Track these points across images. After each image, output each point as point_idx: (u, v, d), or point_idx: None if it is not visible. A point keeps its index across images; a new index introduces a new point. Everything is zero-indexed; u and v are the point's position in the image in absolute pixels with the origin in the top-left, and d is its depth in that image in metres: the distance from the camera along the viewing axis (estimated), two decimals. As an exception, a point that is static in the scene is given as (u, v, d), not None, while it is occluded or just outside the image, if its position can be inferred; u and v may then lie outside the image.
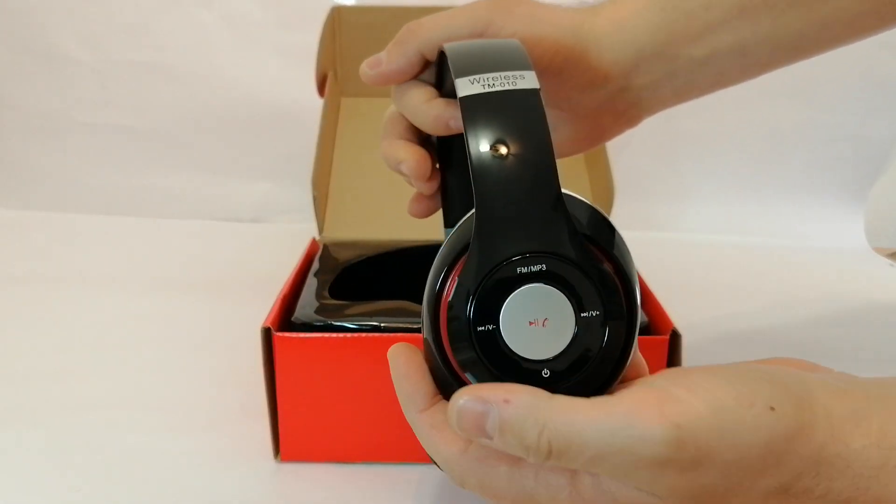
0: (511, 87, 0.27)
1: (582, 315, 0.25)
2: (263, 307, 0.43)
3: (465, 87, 0.27)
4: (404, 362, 0.28)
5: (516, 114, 0.26)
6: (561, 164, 0.26)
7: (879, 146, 0.93)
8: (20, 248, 0.83)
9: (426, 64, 0.36)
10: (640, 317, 0.27)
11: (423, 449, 0.29)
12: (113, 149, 0.95)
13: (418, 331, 0.40)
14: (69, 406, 0.49)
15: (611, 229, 0.27)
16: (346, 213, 0.64)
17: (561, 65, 0.37)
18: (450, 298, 0.26)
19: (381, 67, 0.36)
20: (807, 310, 0.70)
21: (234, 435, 0.46)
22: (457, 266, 0.26)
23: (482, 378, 0.25)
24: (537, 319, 0.25)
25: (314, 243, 0.58)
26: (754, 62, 0.38)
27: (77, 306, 0.66)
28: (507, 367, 0.25)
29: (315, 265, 0.52)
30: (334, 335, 0.41)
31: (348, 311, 0.43)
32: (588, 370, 0.26)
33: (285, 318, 0.43)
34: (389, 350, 0.29)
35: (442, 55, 0.33)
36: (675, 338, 0.40)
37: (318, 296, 0.46)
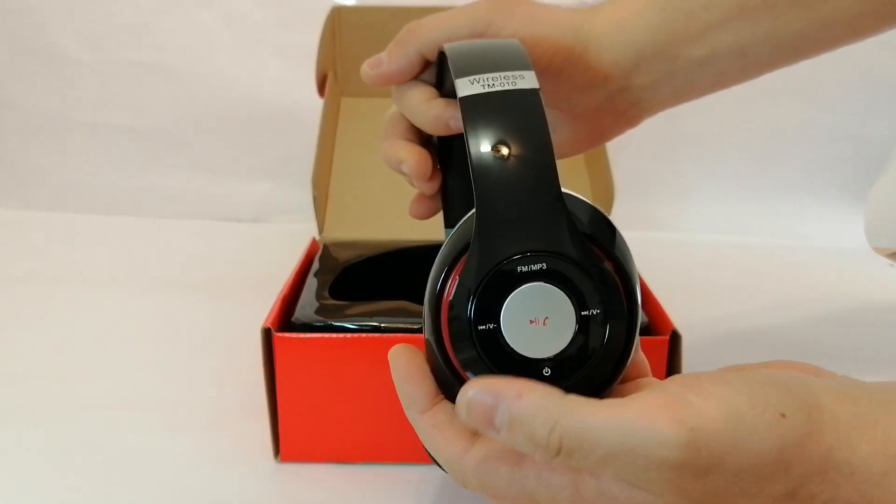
0: (511, 87, 0.27)
1: (583, 314, 0.25)
2: (263, 307, 0.43)
3: (465, 87, 0.27)
4: (405, 363, 0.28)
5: (516, 113, 0.26)
6: (561, 164, 0.26)
7: (879, 146, 0.93)
8: (20, 248, 0.83)
9: (426, 64, 0.36)
10: (641, 317, 0.27)
11: (423, 449, 0.29)
12: (113, 149, 0.95)
13: (418, 331, 0.40)
14: (69, 406, 0.49)
15: (611, 228, 0.27)
16: (346, 213, 0.64)
17: (561, 65, 0.37)
18: (451, 298, 0.26)
19: (382, 68, 0.37)
20: (807, 310, 0.70)
21: (234, 435, 0.46)
22: (457, 266, 0.26)
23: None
24: (538, 318, 0.25)
25: (314, 243, 0.58)
26: (754, 62, 0.38)
27: (77, 306, 0.66)
28: (508, 365, 0.25)
29: (315, 265, 0.52)
30: (334, 335, 0.41)
31: (348, 312, 0.43)
32: (589, 369, 0.26)
33: (285, 318, 0.43)
34: (390, 351, 0.29)
35: (442, 55, 0.33)
36: (675, 338, 0.40)
37: (319, 296, 0.46)
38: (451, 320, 0.26)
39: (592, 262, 0.25)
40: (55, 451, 0.44)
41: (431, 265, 0.27)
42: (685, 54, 0.38)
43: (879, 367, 0.58)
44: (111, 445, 0.45)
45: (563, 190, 0.26)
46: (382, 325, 0.41)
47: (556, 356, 0.25)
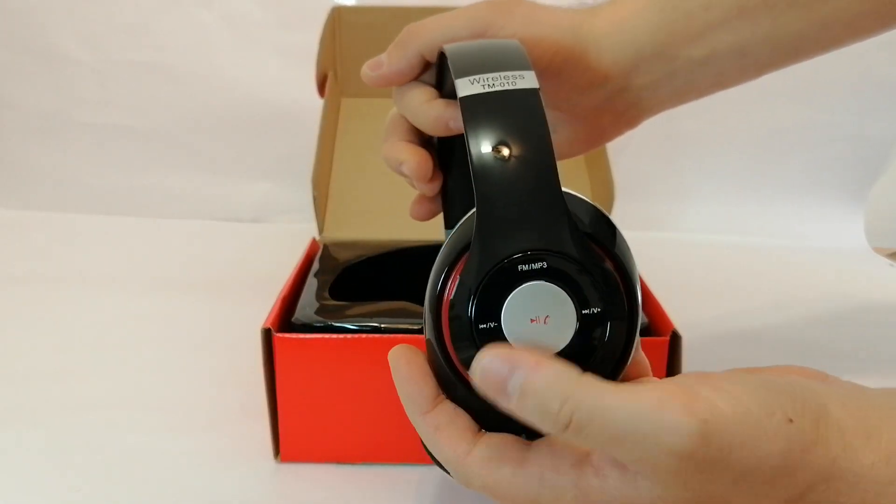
0: (511, 87, 0.27)
1: (583, 312, 0.25)
2: (263, 307, 0.43)
3: (466, 87, 0.27)
4: (406, 364, 0.28)
5: (516, 113, 0.26)
6: (561, 164, 0.26)
7: (879, 146, 0.93)
8: (20, 248, 0.83)
9: (427, 65, 0.36)
10: (641, 316, 0.27)
11: (422, 449, 0.29)
12: (113, 149, 0.95)
13: (418, 332, 0.40)
14: (69, 406, 0.49)
15: (612, 227, 0.27)
16: (346, 213, 0.64)
17: (560, 65, 0.37)
18: (451, 297, 0.26)
19: (382, 69, 0.37)
20: (807, 310, 0.70)
21: (234, 435, 0.46)
22: (458, 265, 0.26)
23: None
24: (539, 317, 0.25)
25: (314, 243, 0.58)
26: (754, 63, 0.38)
27: (77, 306, 0.66)
28: None
29: (315, 265, 0.52)
30: (334, 336, 0.41)
31: (348, 312, 0.43)
32: (589, 367, 0.26)
33: (285, 318, 0.43)
34: (390, 352, 0.29)
35: (442, 56, 0.33)
36: (675, 338, 0.40)
37: (319, 296, 0.46)
38: (451, 319, 0.26)
39: (593, 261, 0.26)
40: (55, 451, 0.44)
41: (431, 265, 0.27)
42: (685, 54, 0.38)
43: (879, 367, 0.58)
44: (111, 445, 0.45)
45: (563, 189, 0.26)
46: (382, 325, 0.41)
47: (556, 355, 0.25)
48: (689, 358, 0.40)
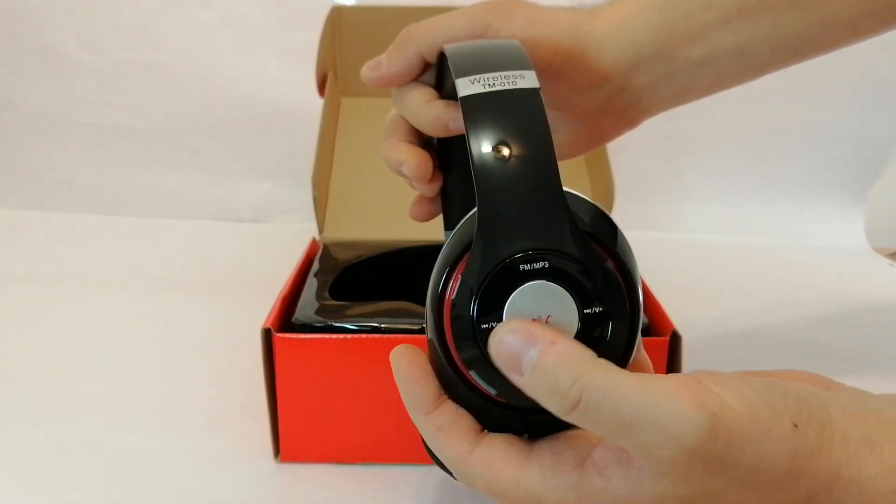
0: (511, 87, 0.27)
1: (585, 311, 0.25)
2: (263, 307, 0.43)
3: (466, 86, 0.27)
4: (407, 364, 0.28)
5: (517, 112, 0.26)
6: (561, 164, 0.26)
7: (879, 146, 0.93)
8: (20, 248, 0.83)
9: (426, 66, 0.36)
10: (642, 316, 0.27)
11: (423, 449, 0.29)
12: (113, 149, 0.95)
13: (419, 332, 0.40)
14: (69, 406, 0.49)
15: (613, 227, 0.27)
16: (346, 213, 0.64)
17: (560, 66, 0.37)
18: (453, 297, 0.26)
19: (382, 70, 0.37)
20: (807, 310, 0.70)
21: (234, 435, 0.46)
22: (459, 265, 0.26)
23: (486, 376, 0.26)
24: (540, 316, 0.25)
25: (314, 243, 0.58)
26: (753, 63, 0.38)
27: (77, 306, 0.66)
28: None
29: (315, 265, 0.52)
30: (334, 336, 0.41)
31: (349, 312, 0.43)
32: None
33: (285, 318, 0.43)
34: (392, 352, 0.29)
35: (442, 56, 0.33)
36: (675, 339, 0.40)
37: (319, 296, 0.46)
38: (453, 319, 0.26)
39: (595, 260, 0.25)
40: (55, 451, 0.44)
41: (432, 265, 0.27)
42: (684, 55, 0.38)
43: (879, 367, 0.58)
44: (111, 445, 0.45)
45: (564, 188, 0.26)
46: (383, 325, 0.41)
47: None
48: (689, 358, 0.40)
